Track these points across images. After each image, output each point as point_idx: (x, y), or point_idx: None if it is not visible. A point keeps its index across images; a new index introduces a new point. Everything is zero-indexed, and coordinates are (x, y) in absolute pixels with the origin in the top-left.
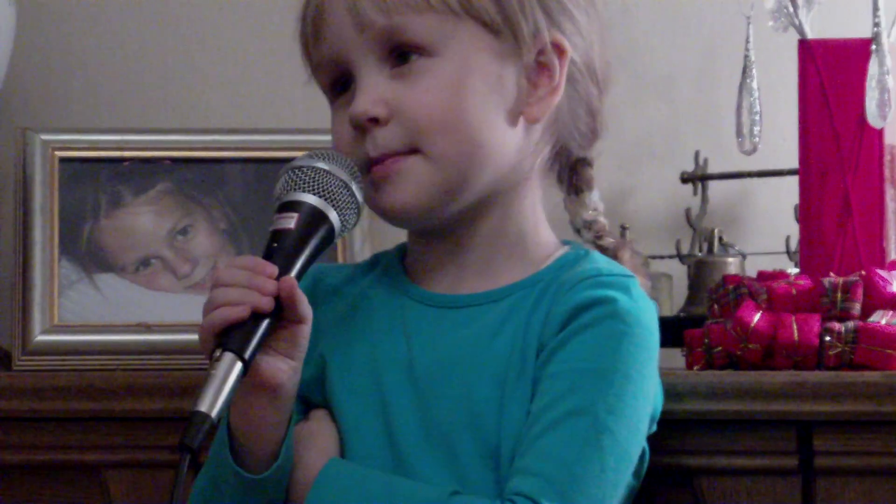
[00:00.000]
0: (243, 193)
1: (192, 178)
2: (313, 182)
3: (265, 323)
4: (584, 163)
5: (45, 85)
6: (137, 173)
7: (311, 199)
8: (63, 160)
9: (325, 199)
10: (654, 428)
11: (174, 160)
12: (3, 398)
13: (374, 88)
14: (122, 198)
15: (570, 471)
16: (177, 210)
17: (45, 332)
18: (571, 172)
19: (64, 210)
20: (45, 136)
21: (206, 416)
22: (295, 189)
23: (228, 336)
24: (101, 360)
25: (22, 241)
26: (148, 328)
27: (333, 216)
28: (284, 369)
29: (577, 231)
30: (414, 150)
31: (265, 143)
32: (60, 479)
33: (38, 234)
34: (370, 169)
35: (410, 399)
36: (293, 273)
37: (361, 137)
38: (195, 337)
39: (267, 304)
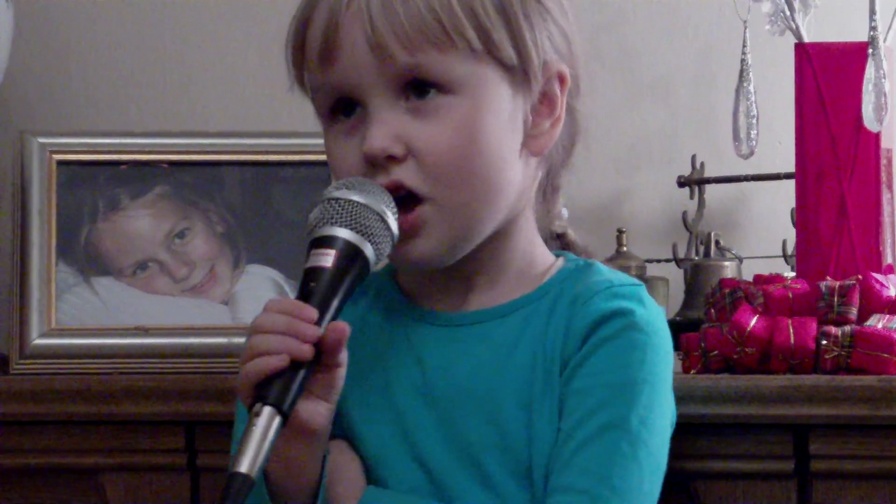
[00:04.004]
0: (241, 197)
1: (190, 181)
2: (349, 216)
3: (303, 370)
4: (554, 175)
5: (43, 88)
6: (135, 177)
7: (346, 234)
8: (60, 163)
9: (361, 234)
10: (670, 432)
11: (172, 163)
12: (0, 402)
13: (390, 123)
14: (120, 201)
15: (612, 485)
16: (174, 213)
17: (42, 335)
18: (544, 182)
19: (61, 213)
20: (42, 140)
21: (246, 477)
22: (330, 223)
23: (268, 387)
24: (98, 363)
25: (19, 244)
26: (145, 331)
27: (369, 251)
28: (323, 413)
29: (545, 242)
30: (425, 198)
31: (262, 146)
32: (58, 482)
33: (35, 238)
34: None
35: (432, 422)
36: (330, 314)
37: (372, 168)
38: (193, 340)
39: (307, 352)
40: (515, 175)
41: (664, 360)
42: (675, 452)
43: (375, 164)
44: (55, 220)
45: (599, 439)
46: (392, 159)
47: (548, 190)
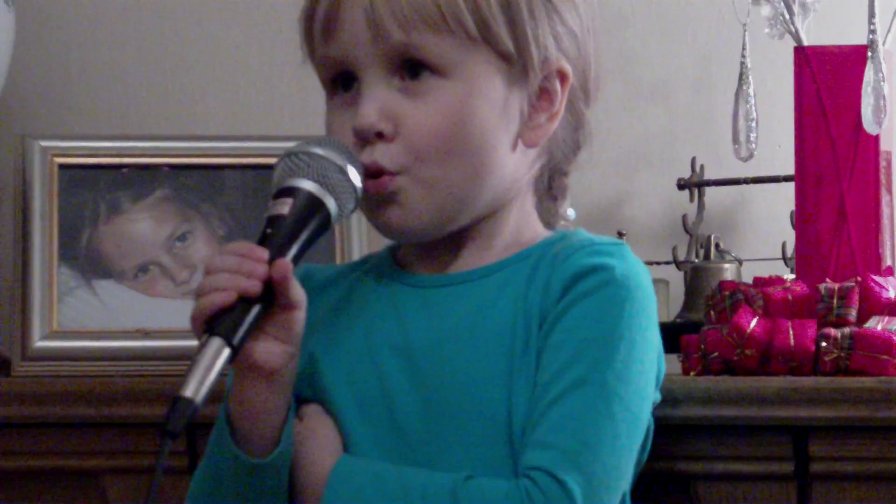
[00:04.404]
0: (242, 200)
1: (191, 184)
2: (308, 167)
3: (256, 308)
4: (561, 172)
5: (45, 92)
6: (136, 180)
7: (306, 184)
8: (62, 167)
9: (322, 185)
10: (659, 397)
11: (173, 167)
12: (2, 404)
13: (381, 100)
14: (121, 204)
15: (584, 440)
16: (175, 216)
17: (44, 338)
18: (548, 181)
19: (63, 216)
20: (44, 143)
21: (190, 401)
22: (291, 175)
23: (216, 321)
24: (99, 366)
25: (21, 247)
26: (146, 334)
27: (330, 202)
28: (279, 353)
29: None
30: (399, 172)
31: (263, 149)
32: (59, 485)
33: (37, 241)
34: (364, 180)
35: (410, 381)
36: (287, 258)
37: (362, 145)
38: (194, 343)
39: (254, 287)
40: (506, 162)
41: (645, 316)
42: (675, 454)
43: (365, 140)
44: (57, 223)
45: (574, 394)
46: (380, 136)
47: (553, 188)
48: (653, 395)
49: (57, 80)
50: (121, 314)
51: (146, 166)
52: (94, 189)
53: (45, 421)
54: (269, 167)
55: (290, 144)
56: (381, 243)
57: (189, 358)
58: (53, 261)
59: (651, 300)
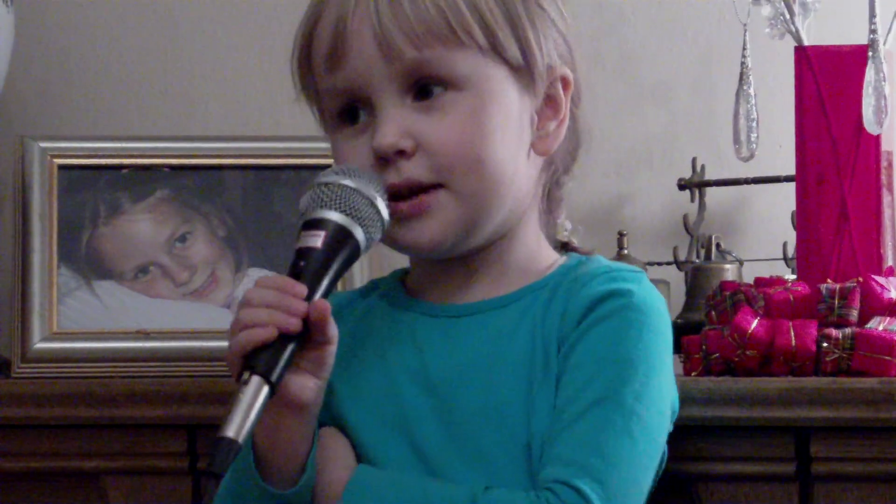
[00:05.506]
0: (242, 200)
1: (191, 185)
2: (340, 200)
3: (292, 345)
4: (559, 184)
5: (44, 92)
6: (136, 180)
7: (337, 216)
8: (61, 168)
9: (352, 217)
10: (671, 427)
11: (173, 167)
12: (2, 405)
13: (399, 120)
14: (121, 205)
15: (604, 456)
16: (175, 217)
17: (44, 339)
18: (547, 193)
19: (62, 217)
20: (43, 144)
21: (233, 441)
22: (321, 206)
23: (256, 358)
24: (99, 367)
25: (21, 248)
26: (146, 335)
27: (359, 234)
28: (312, 387)
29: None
30: (439, 185)
31: (264, 150)
32: (59, 486)
33: (36, 242)
34: (393, 200)
35: (430, 408)
36: (320, 292)
37: (383, 167)
38: (194, 344)
39: (295, 325)
40: (523, 172)
41: (662, 342)
42: (677, 455)
43: (385, 160)
44: (56, 224)
45: (592, 412)
46: (401, 154)
47: (551, 198)
48: (668, 423)
49: (56, 80)
50: (121, 315)
51: (146, 167)
52: (93, 190)
53: (45, 422)
54: (270, 168)
55: (290, 145)
56: (383, 266)
57: (190, 359)
58: (53, 262)
59: (668, 328)
